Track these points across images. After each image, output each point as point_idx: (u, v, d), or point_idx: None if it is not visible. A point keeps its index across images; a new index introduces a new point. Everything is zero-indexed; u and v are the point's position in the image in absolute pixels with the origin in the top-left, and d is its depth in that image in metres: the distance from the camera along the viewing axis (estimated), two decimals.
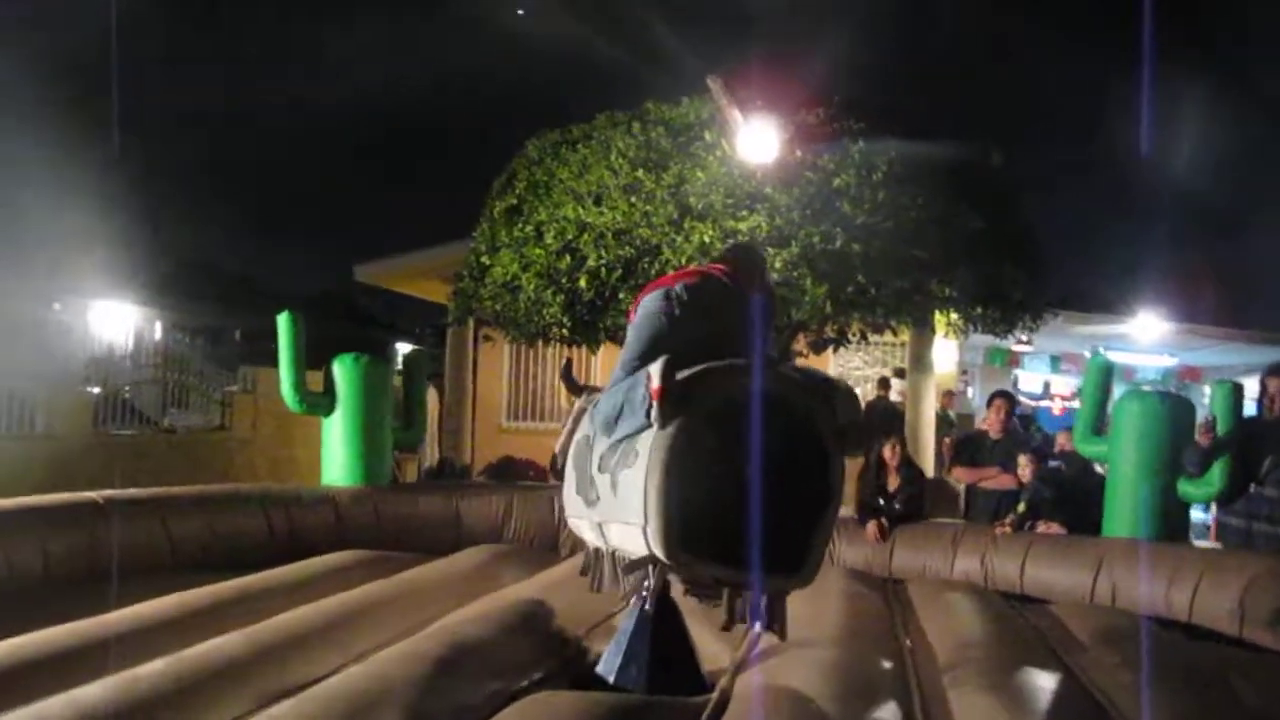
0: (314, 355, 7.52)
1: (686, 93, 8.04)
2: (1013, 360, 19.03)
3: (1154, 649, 4.79)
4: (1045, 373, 20.21)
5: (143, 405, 12.22)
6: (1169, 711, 3.78)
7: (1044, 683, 4.12)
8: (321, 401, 7.39)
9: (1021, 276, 7.71)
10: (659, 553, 3.43)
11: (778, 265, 6.65)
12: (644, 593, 4.28)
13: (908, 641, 5.10)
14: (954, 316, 8.16)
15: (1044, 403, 19.93)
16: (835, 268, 6.85)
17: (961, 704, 3.95)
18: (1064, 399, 20.75)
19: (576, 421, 4.54)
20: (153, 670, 3.70)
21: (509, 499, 7.55)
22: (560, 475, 4.59)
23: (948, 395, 14.41)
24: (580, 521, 4.12)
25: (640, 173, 7.17)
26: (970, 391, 19.17)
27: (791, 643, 4.65)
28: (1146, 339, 15.65)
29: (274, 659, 4.09)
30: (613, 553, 3.92)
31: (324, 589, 5.38)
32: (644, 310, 3.91)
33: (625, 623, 4.29)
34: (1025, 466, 7.38)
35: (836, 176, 6.91)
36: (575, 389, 4.70)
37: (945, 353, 14.12)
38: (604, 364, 13.18)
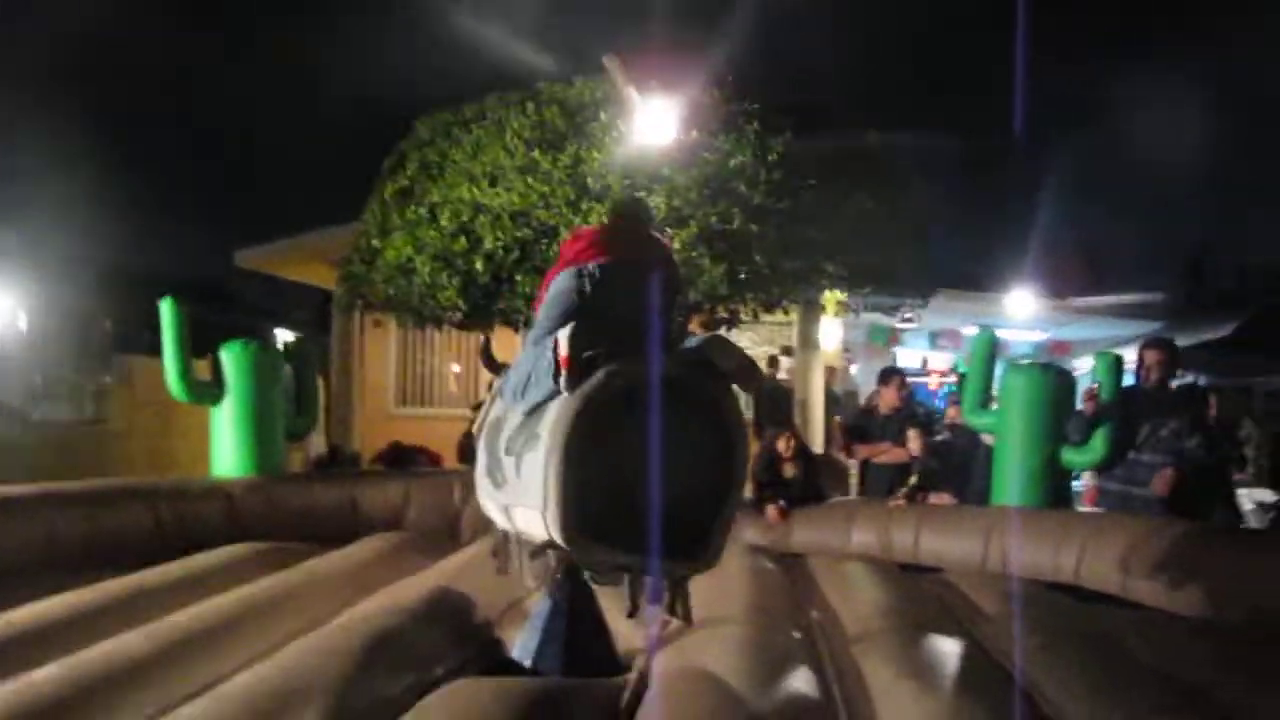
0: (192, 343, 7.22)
1: (578, 73, 7.99)
2: (894, 338, 19.54)
3: (1049, 612, 5.02)
4: (924, 349, 20.80)
5: (8, 397, 11.60)
6: (1073, 673, 3.94)
7: (950, 649, 4.25)
8: (210, 390, 7.13)
9: (910, 256, 7.91)
10: (556, 537, 3.39)
11: (677, 246, 6.67)
12: (557, 576, 4.29)
13: (815, 614, 5.20)
14: (843, 295, 8.32)
15: (921, 379, 20.53)
16: (733, 248, 6.91)
17: (874, 674, 4.05)
18: (940, 374, 21.39)
19: (493, 401, 4.49)
20: (48, 675, 3.53)
21: (407, 486, 7.42)
22: (472, 458, 4.55)
23: (830, 371, 14.70)
24: (490, 503, 4.07)
25: (536, 153, 7.09)
26: (854, 369, 19.63)
27: (702, 621, 4.72)
28: (1020, 315, 16.22)
29: (178, 658, 3.95)
30: (518, 536, 3.89)
31: (222, 583, 5.21)
32: (556, 288, 3.88)
33: (539, 606, 4.27)
34: (914, 440, 7.60)
35: (733, 157, 6.96)
36: (495, 369, 4.63)
37: (831, 331, 14.41)
38: (506, 350, 13.08)
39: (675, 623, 4.76)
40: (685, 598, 3.65)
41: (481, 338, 4.52)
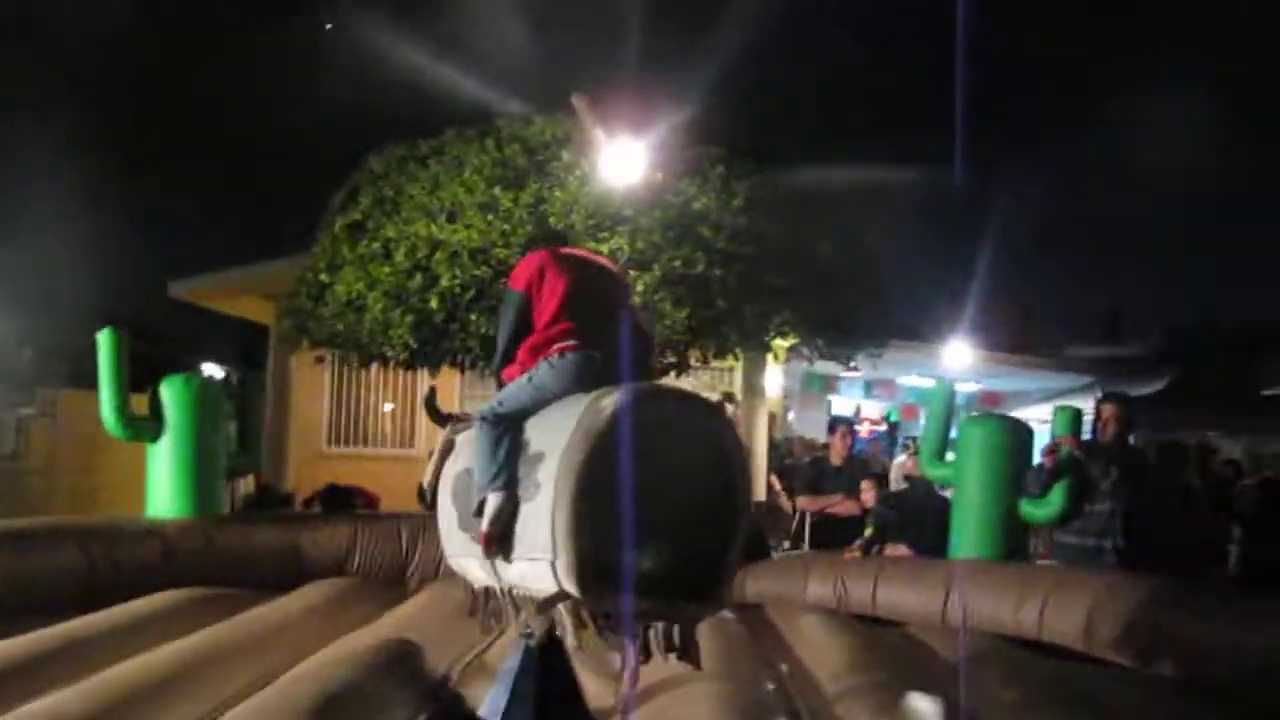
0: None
1: (537, 111, 7.90)
2: (829, 385, 19.65)
3: (1021, 669, 4.96)
4: (859, 397, 20.95)
5: None
6: None
7: (930, 706, 4.16)
8: (147, 426, 6.80)
9: (867, 305, 7.92)
10: (571, 587, 3.20)
11: (639, 289, 6.57)
12: (528, 629, 4.10)
13: (784, 667, 5.07)
14: (794, 341, 8.30)
15: (854, 426, 20.66)
16: (695, 292, 6.83)
17: None
18: (872, 422, 21.57)
19: (445, 453, 4.31)
20: None
21: (353, 529, 7.15)
22: (431, 507, 4.37)
23: (771, 418, 14.71)
24: (467, 560, 3.87)
25: (498, 190, 6.96)
26: (790, 415, 19.67)
27: (670, 676, 4.57)
28: (955, 366, 16.41)
29: (118, 718, 3.67)
30: (509, 590, 3.70)
31: (161, 632, 4.92)
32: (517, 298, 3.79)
33: (509, 661, 4.07)
34: (867, 491, 7.56)
35: (697, 200, 6.91)
36: (440, 419, 4.41)
37: (773, 378, 14.43)
38: (441, 393, 12.81)
39: (641, 680, 4.66)
40: (695, 642, 3.49)
41: (427, 387, 4.34)
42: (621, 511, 3.18)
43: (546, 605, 3.38)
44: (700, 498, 3.34)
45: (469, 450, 3.92)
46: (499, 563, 3.57)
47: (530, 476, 3.39)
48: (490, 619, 3.94)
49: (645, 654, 3.35)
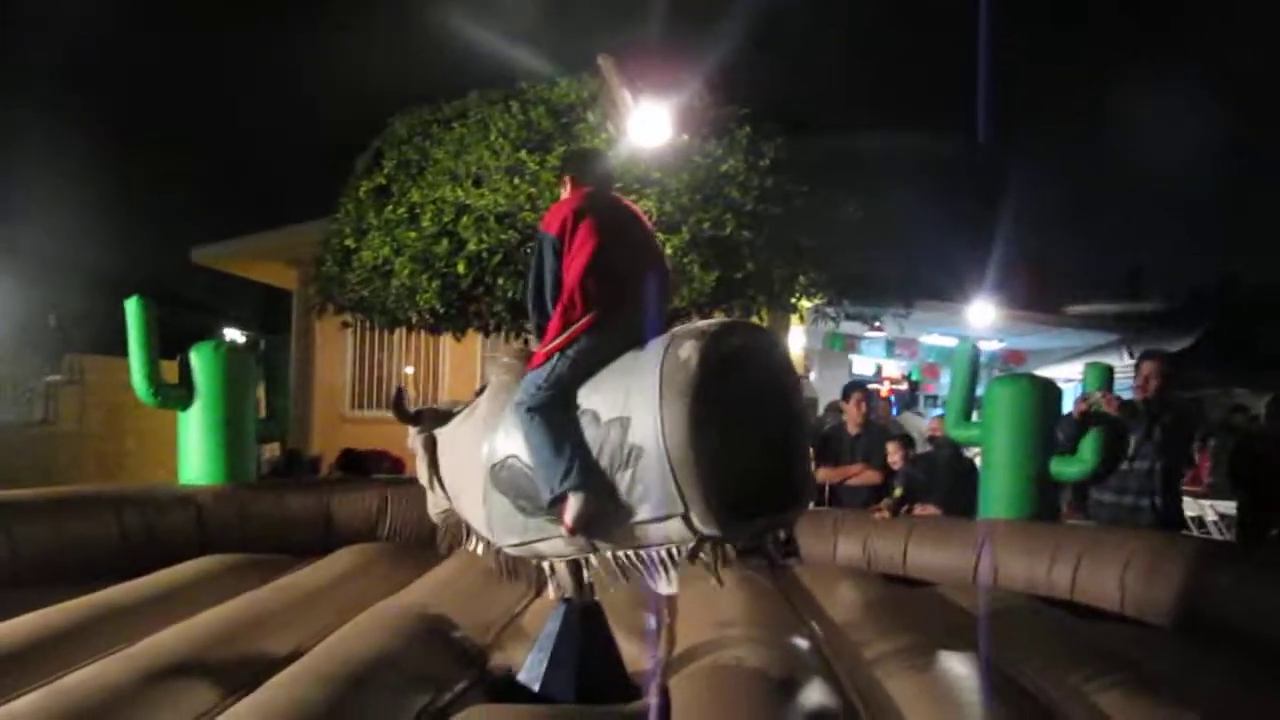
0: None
1: (561, 73, 7.80)
2: (850, 345, 19.56)
3: (1056, 629, 4.94)
4: (880, 357, 20.86)
5: None
6: (1092, 692, 3.86)
7: (967, 667, 4.15)
8: (178, 394, 6.82)
9: (894, 265, 7.85)
10: (712, 530, 3.33)
11: (668, 252, 6.52)
12: (567, 595, 4.10)
13: (815, 627, 5.07)
14: (818, 301, 8.20)
15: (873, 385, 20.57)
16: (723, 254, 6.78)
17: (897, 688, 3.94)
18: (893, 382, 21.49)
19: (432, 454, 4.29)
20: (29, 706, 3.28)
21: (383, 494, 7.17)
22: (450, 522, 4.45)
23: None
24: (542, 543, 3.82)
25: (524, 154, 6.89)
26: (812, 375, 19.60)
27: (706, 640, 4.57)
28: (979, 324, 16.32)
29: (162, 686, 3.68)
30: (614, 554, 3.68)
31: (197, 600, 4.95)
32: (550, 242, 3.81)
33: (549, 626, 4.09)
34: (895, 453, 7.49)
35: (724, 162, 6.83)
36: (411, 419, 4.37)
37: (796, 338, 14.35)
38: (462, 355, 12.80)
39: (677, 644, 4.68)
40: (794, 538, 3.72)
41: (395, 387, 4.33)
42: (730, 447, 3.35)
43: (691, 556, 3.46)
44: (774, 418, 3.52)
45: (479, 439, 3.89)
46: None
47: (620, 444, 3.41)
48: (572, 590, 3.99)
49: (770, 565, 3.69)
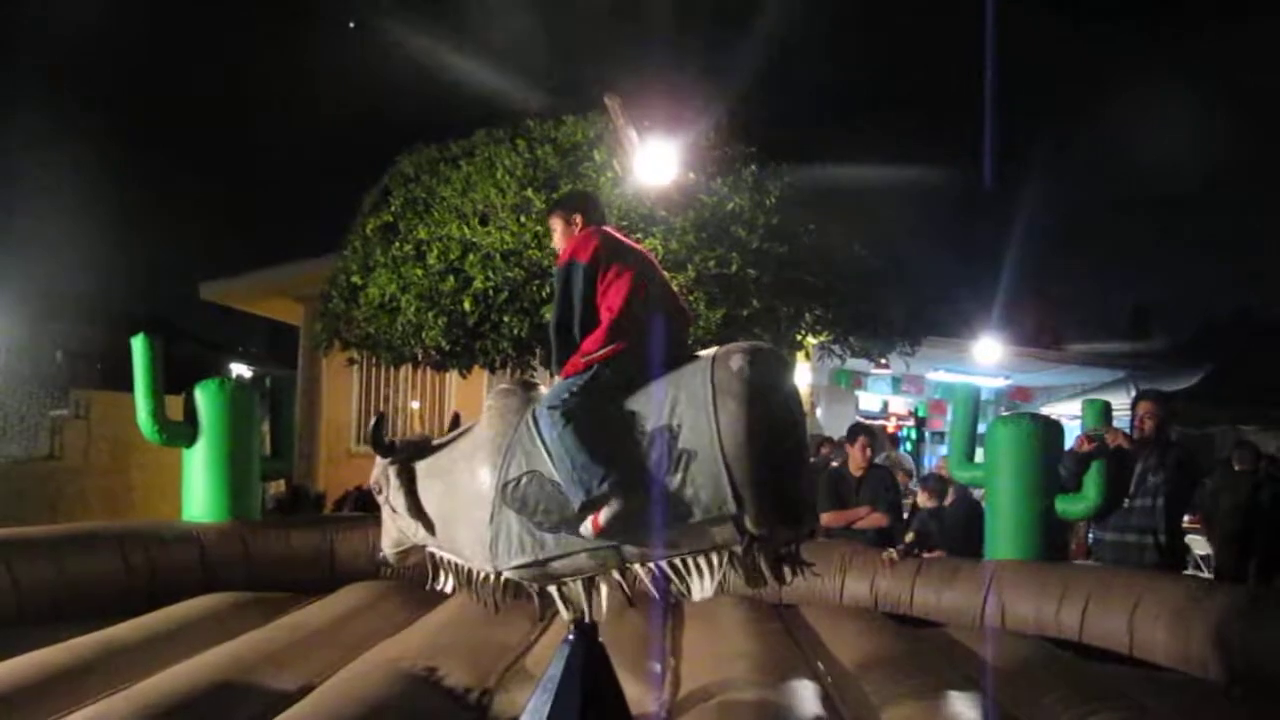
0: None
1: (568, 111, 7.85)
2: (856, 381, 19.52)
3: (1067, 673, 4.89)
4: (886, 393, 20.81)
5: None
6: None
7: (973, 709, 4.10)
8: (183, 431, 6.82)
9: (900, 302, 7.86)
10: (762, 531, 3.43)
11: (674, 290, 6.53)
12: (570, 636, 4.07)
13: (822, 668, 5.02)
14: (824, 339, 8.18)
15: (879, 421, 20.50)
16: (729, 292, 6.79)
17: None
18: (899, 418, 21.41)
19: (411, 483, 4.22)
20: None
21: None
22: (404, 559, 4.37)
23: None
24: (558, 560, 3.75)
25: (530, 192, 6.93)
26: (818, 412, 19.55)
27: (711, 682, 4.54)
28: (985, 362, 16.28)
29: None
30: (646, 564, 3.64)
31: (200, 638, 4.94)
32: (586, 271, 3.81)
33: (552, 669, 4.05)
34: (926, 498, 7.39)
35: (730, 200, 6.86)
36: (386, 450, 4.29)
37: (802, 375, 14.33)
38: (468, 391, 12.79)
39: (681, 688, 4.64)
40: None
41: (374, 416, 4.28)
42: (775, 453, 3.47)
43: (744, 560, 3.51)
44: (795, 433, 3.65)
45: (483, 461, 3.86)
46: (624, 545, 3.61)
47: (668, 448, 3.48)
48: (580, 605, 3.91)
49: (779, 579, 3.59)
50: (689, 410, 3.45)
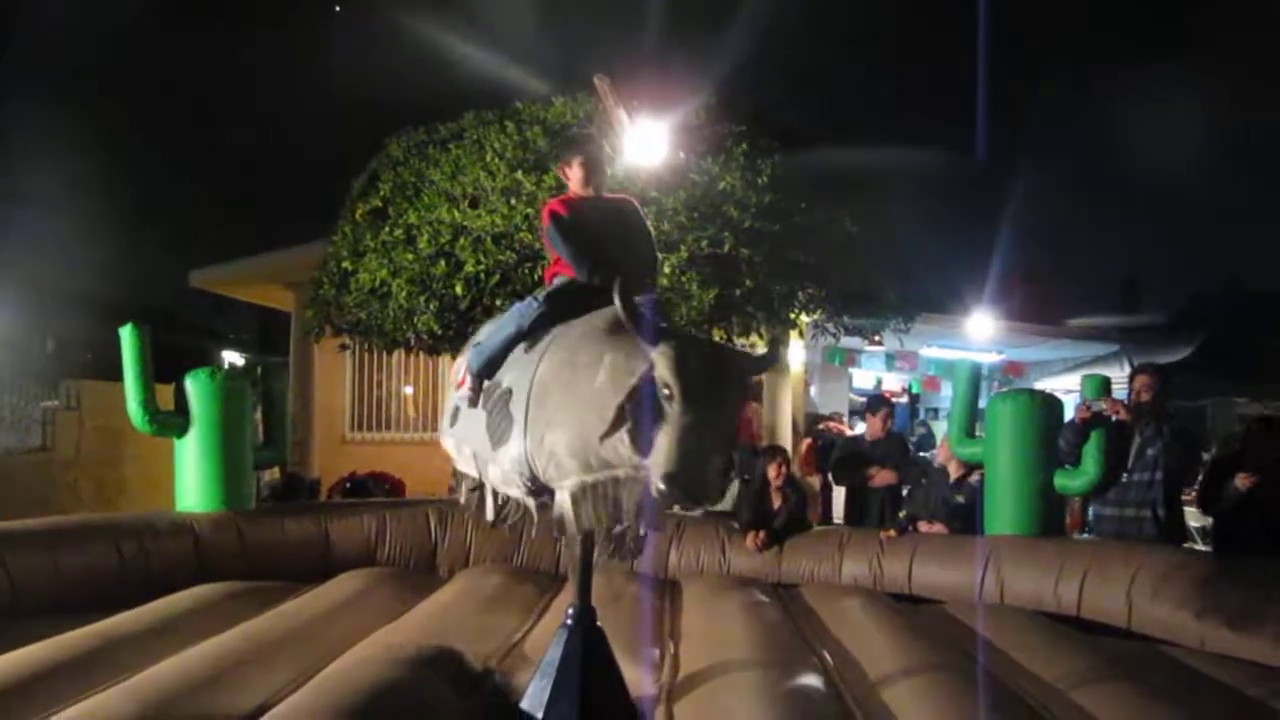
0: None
1: (556, 93, 7.79)
2: (850, 359, 19.49)
3: (1068, 647, 4.89)
4: (880, 370, 20.79)
5: None
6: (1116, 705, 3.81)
7: (979, 690, 4.09)
8: (174, 421, 6.77)
9: (893, 279, 7.83)
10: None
11: (666, 270, 6.50)
12: (569, 621, 4.06)
13: (825, 653, 5.01)
14: (818, 316, 8.17)
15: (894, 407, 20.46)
16: (722, 271, 6.75)
17: (903, 710, 3.89)
18: (893, 394, 21.38)
19: None
20: None
21: (380, 518, 7.11)
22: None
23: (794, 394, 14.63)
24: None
25: (520, 174, 6.87)
26: (812, 390, 19.54)
27: (712, 664, 4.52)
28: (978, 337, 16.28)
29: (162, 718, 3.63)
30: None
31: (197, 629, 4.89)
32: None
33: (550, 654, 4.04)
34: (956, 467, 7.37)
35: (722, 180, 6.81)
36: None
37: (796, 353, 14.32)
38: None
39: (681, 669, 4.63)
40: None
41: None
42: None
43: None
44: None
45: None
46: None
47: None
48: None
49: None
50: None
